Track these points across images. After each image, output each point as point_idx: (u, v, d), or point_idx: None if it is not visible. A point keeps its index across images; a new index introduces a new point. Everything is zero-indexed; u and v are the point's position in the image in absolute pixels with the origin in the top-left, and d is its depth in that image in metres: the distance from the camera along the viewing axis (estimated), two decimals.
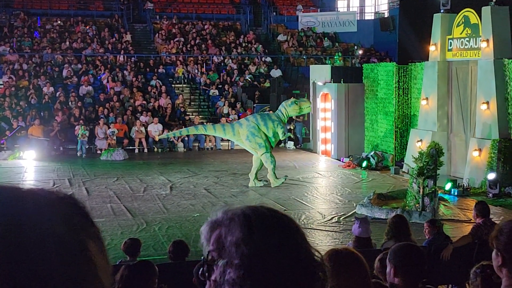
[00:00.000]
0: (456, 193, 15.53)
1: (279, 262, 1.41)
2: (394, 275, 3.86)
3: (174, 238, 11.29)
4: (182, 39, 32.88)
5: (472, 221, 12.30)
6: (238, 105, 27.30)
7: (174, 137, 22.74)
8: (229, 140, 24.89)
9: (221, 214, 1.50)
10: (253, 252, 1.40)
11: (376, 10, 36.80)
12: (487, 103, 16.44)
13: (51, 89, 26.65)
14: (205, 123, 22.18)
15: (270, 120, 16.72)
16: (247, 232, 1.42)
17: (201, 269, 1.47)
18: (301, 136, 25.47)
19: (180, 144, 24.51)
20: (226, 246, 1.44)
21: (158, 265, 7.33)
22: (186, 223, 12.93)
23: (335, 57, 30.76)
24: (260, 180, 16.97)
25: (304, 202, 14.88)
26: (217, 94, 28.51)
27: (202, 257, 1.48)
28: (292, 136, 18.50)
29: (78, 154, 22.94)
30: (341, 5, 38.89)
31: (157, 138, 23.14)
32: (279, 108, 17.26)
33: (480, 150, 16.45)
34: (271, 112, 18.83)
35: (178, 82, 29.65)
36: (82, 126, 23.20)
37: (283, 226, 1.47)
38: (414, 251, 3.95)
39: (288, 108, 16.94)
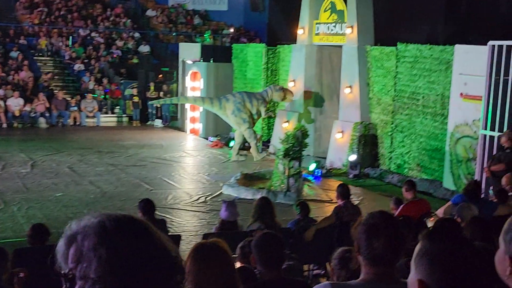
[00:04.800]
0: (319, 174, 16.03)
1: (136, 259, 1.52)
2: (255, 263, 3.96)
3: (34, 219, 10.86)
4: (46, 9, 31.40)
5: (333, 201, 12.78)
6: (105, 81, 26.55)
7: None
8: (94, 117, 24.29)
9: (75, 225, 1.57)
10: (109, 253, 1.50)
11: None
12: (350, 87, 17.05)
13: None
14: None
15: (255, 98, 17.60)
16: (102, 235, 1.52)
17: (64, 285, 1.55)
18: (169, 114, 25.25)
19: (42, 120, 23.50)
20: (84, 252, 1.51)
21: (16, 250, 7.01)
22: (47, 203, 12.44)
23: (205, 35, 30.65)
24: (242, 155, 17.77)
25: (171, 182, 14.76)
26: (83, 69, 27.54)
27: (62, 272, 1.55)
28: (273, 115, 18.71)
29: None
30: None
31: (156, 104, 23.24)
32: (265, 89, 18.12)
33: (342, 132, 17.06)
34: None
35: (41, 54, 28.32)
36: None
37: (135, 226, 1.58)
38: (272, 240, 4.05)
39: (274, 92, 17.78)
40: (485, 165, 12.02)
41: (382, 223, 2.87)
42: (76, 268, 1.52)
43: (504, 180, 9.30)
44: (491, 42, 12.56)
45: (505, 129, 11.96)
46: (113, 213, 1.58)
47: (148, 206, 7.77)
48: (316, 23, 18.51)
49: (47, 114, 23.63)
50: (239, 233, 7.60)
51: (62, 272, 1.56)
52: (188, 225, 11.33)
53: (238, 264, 4.48)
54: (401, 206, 8.85)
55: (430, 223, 5.78)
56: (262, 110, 17.69)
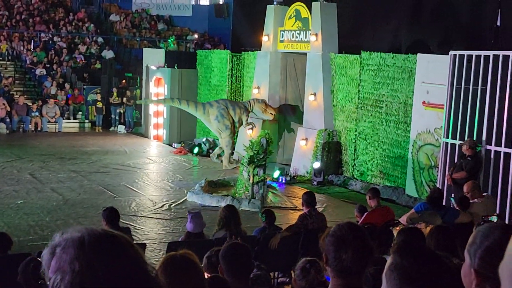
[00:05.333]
0: (283, 181, 16.07)
1: (110, 276, 1.53)
2: (222, 274, 3.96)
3: None
4: (7, 13, 30.92)
5: (298, 208, 12.84)
6: (67, 86, 26.25)
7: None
8: (56, 122, 24.00)
9: (58, 237, 1.60)
10: (84, 267, 1.52)
11: None
12: (315, 94, 17.16)
13: None
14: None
15: (238, 107, 17.80)
16: (79, 250, 1.54)
17: None
18: (132, 120, 25.06)
19: (2, 125, 23.09)
20: (61, 264, 1.55)
21: None
22: (8, 210, 12.22)
23: (169, 40, 30.54)
24: (217, 159, 18.05)
25: (134, 189, 14.64)
26: (45, 73, 27.18)
27: (40, 282, 1.55)
28: (255, 126, 18.43)
29: None
30: None
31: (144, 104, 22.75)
32: (248, 100, 18.28)
33: (306, 139, 17.14)
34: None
35: (1, 58, 27.85)
36: None
37: (115, 244, 1.59)
38: (240, 251, 4.06)
39: (256, 104, 17.90)
40: (447, 172, 12.21)
41: (350, 235, 2.90)
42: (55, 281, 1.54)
43: (465, 188, 9.45)
44: (452, 52, 12.77)
45: (466, 137, 12.17)
46: (97, 229, 1.60)
47: (112, 214, 7.68)
48: (281, 30, 18.60)
49: (7, 120, 23.22)
50: (205, 242, 7.57)
51: (40, 282, 1.62)
52: (152, 233, 11.25)
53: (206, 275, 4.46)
54: (365, 213, 8.93)
55: (396, 233, 5.85)
56: (244, 119, 17.81)
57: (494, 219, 6.48)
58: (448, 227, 5.54)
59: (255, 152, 13.41)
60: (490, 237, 1.95)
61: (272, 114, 18.09)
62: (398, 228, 6.31)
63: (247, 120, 17.89)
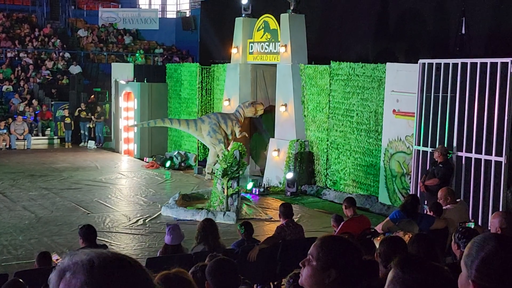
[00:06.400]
0: (257, 192, 16.08)
1: None
2: None
3: None
4: None
5: (273, 219, 12.87)
6: (35, 103, 25.96)
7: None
8: (25, 139, 23.71)
9: (67, 260, 1.59)
10: None
11: (178, 9, 37.05)
12: (285, 105, 17.23)
13: None
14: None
15: (230, 119, 17.81)
16: (89, 274, 1.53)
17: None
18: (102, 135, 24.87)
19: None
20: None
21: None
22: None
23: (137, 54, 30.43)
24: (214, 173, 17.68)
25: (107, 205, 14.51)
26: (11, 90, 26.85)
27: None
28: (247, 135, 18.28)
29: None
30: (143, 2, 38.66)
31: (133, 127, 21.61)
32: (236, 109, 18.19)
33: (278, 150, 17.19)
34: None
35: None
36: None
37: (125, 267, 1.59)
38: (226, 266, 4.07)
39: (245, 109, 17.99)
40: (419, 179, 12.35)
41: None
42: None
43: (439, 194, 9.55)
44: (421, 60, 12.95)
45: (437, 144, 12.33)
46: (105, 252, 1.59)
47: (89, 232, 7.61)
48: (250, 42, 18.66)
49: None
50: (184, 256, 7.54)
51: None
52: (128, 249, 11.15)
53: None
54: (342, 223, 8.98)
55: (377, 243, 5.90)
56: (237, 130, 17.85)
57: (472, 225, 6.58)
58: (428, 235, 5.61)
59: (228, 164, 13.41)
60: (485, 248, 1.98)
61: (262, 109, 18.32)
62: (379, 238, 6.36)
63: (240, 131, 17.92)
